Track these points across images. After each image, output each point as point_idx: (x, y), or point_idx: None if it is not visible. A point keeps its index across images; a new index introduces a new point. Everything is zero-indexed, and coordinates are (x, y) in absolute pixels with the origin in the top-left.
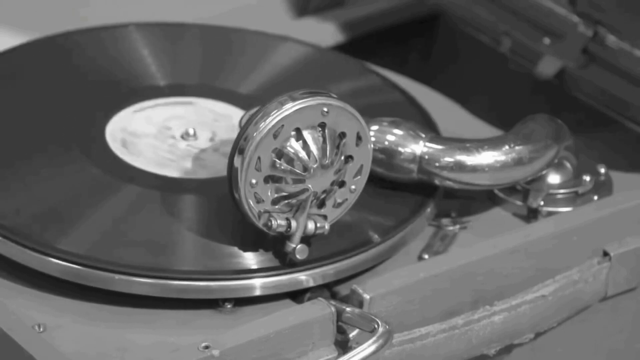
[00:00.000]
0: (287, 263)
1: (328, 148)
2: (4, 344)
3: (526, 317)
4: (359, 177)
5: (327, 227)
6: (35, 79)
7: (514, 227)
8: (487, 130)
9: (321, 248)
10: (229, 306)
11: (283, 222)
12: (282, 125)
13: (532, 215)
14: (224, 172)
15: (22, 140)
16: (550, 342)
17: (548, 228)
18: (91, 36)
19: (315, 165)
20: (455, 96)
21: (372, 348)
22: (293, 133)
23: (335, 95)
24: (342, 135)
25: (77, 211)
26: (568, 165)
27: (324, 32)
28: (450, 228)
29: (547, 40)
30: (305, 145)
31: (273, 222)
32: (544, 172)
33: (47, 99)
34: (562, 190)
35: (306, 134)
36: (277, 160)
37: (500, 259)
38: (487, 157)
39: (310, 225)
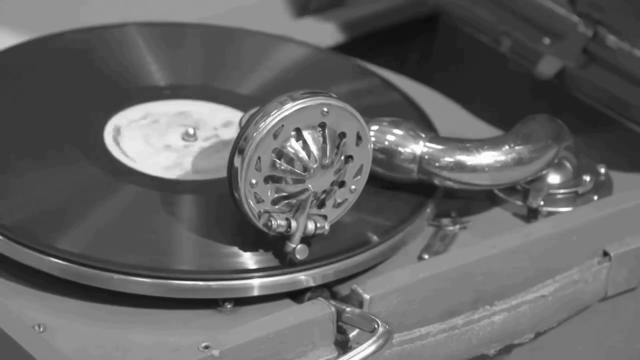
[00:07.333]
0: (287, 263)
1: (328, 148)
2: (4, 344)
3: (526, 317)
4: (359, 177)
5: (327, 227)
6: (34, 78)
7: (514, 227)
8: (487, 131)
9: (321, 248)
10: (228, 306)
11: (283, 222)
12: (282, 126)
13: (532, 215)
14: (224, 172)
15: (22, 140)
16: (550, 342)
17: (548, 228)
18: (91, 36)
19: (315, 166)
20: (455, 96)
21: (372, 348)
22: (293, 133)
23: (335, 95)
24: (342, 135)
25: (77, 211)
26: (568, 165)
27: (324, 32)
28: (450, 228)
29: (547, 40)
30: (305, 146)
31: (273, 222)
32: (544, 172)
33: (47, 99)
34: (562, 190)
35: (306, 134)
36: (277, 160)
37: (500, 259)
38: (487, 157)
39: (310, 226)
